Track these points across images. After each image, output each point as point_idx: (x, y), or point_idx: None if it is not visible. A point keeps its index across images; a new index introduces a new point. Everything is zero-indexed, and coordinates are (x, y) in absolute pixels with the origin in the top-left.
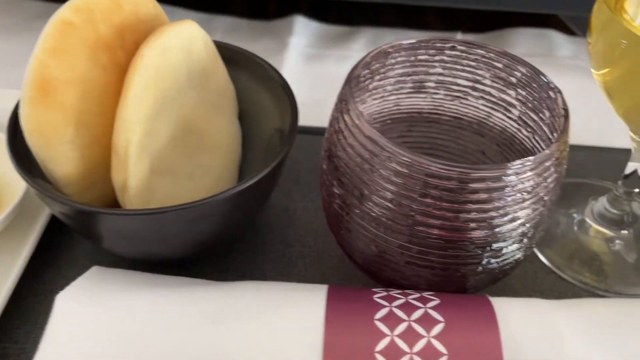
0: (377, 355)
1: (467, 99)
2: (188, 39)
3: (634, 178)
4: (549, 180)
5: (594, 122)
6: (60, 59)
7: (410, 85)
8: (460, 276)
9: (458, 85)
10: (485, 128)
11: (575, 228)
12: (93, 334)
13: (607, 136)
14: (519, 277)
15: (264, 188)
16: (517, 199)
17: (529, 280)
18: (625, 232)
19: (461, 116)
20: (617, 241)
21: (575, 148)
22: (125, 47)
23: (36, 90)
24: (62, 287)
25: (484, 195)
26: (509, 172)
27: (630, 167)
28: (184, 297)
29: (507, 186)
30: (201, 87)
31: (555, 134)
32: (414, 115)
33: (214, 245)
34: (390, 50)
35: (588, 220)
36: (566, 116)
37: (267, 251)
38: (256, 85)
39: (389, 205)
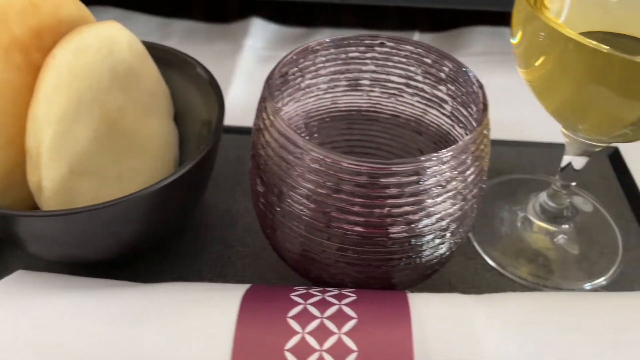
0: (287, 353)
1: (402, 96)
2: (107, 39)
3: (570, 171)
4: (467, 174)
5: (544, 118)
6: None
7: (345, 83)
8: (383, 272)
9: (392, 82)
10: (423, 126)
11: (519, 224)
12: (7, 336)
13: (557, 132)
14: (458, 274)
15: (188, 187)
16: (432, 193)
17: (468, 277)
18: (566, 226)
19: (399, 114)
20: (560, 236)
21: (525, 144)
22: (44, 48)
23: None
24: None
25: (395, 191)
26: (420, 166)
27: (565, 160)
28: (101, 300)
29: (419, 181)
30: (130, 88)
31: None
32: (353, 113)
33: (142, 247)
34: (317, 47)
35: (530, 216)
36: (484, 109)
37: (206, 252)
38: (189, 85)
39: (306, 202)
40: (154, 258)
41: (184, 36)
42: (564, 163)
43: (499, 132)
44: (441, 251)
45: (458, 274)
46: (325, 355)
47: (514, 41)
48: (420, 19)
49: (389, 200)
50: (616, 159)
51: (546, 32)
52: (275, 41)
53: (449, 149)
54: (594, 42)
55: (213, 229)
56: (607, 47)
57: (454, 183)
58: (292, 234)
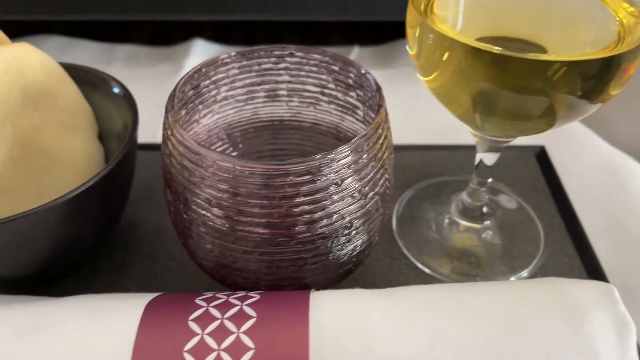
0: (186, 354)
1: (320, 105)
2: (15, 61)
3: (483, 168)
4: (364, 172)
5: None
6: None
7: (263, 94)
8: (293, 273)
9: (309, 91)
10: (342, 132)
11: (445, 225)
12: None
13: None
14: (383, 275)
15: (102, 199)
16: (328, 192)
17: (393, 277)
18: (488, 222)
19: (319, 122)
20: (485, 233)
21: (454, 147)
22: None
23: None
24: None
25: (290, 190)
26: (313, 165)
27: (477, 158)
28: (3, 315)
29: (313, 180)
30: (47, 108)
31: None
32: (276, 123)
33: (63, 262)
34: (227, 60)
35: (453, 216)
36: (378, 110)
37: (134, 267)
38: (110, 103)
39: (209, 207)
40: (82, 273)
41: (127, 60)
42: (476, 161)
43: (432, 137)
44: (349, 249)
45: (383, 274)
46: (223, 354)
47: (411, 52)
48: (360, 34)
49: (286, 201)
50: (542, 158)
51: (440, 39)
52: None
53: (340, 147)
54: (487, 45)
55: (142, 244)
56: (499, 48)
57: (349, 181)
58: (201, 240)
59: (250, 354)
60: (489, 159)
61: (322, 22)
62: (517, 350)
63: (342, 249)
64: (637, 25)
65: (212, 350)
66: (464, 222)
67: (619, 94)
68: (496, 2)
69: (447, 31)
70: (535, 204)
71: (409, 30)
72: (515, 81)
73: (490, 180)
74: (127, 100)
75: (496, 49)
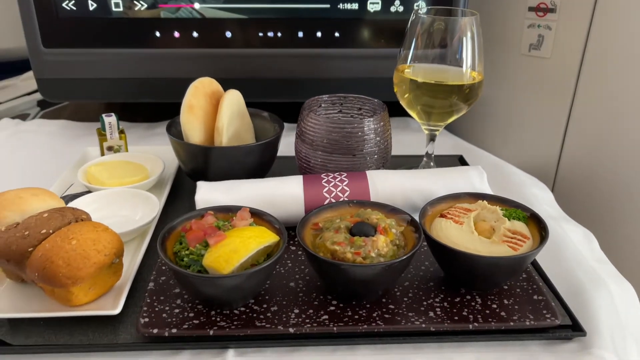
0: (324, 193)
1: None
2: (236, 97)
3: (429, 154)
4: (379, 131)
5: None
6: (195, 98)
7: (340, 115)
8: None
9: (354, 114)
10: None
11: None
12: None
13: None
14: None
15: (268, 149)
16: (369, 133)
17: None
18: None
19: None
20: None
21: (419, 156)
22: (215, 97)
23: (187, 107)
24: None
25: (366, 131)
26: (364, 123)
27: (426, 149)
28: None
29: (362, 129)
30: (241, 118)
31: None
32: None
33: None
34: (322, 101)
35: None
36: (382, 112)
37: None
38: (262, 122)
39: (319, 142)
40: None
41: None
42: (424, 151)
43: (412, 152)
44: (381, 161)
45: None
46: (339, 194)
47: (396, 88)
48: None
49: (364, 137)
50: (462, 161)
51: (407, 81)
52: None
53: (369, 119)
54: (427, 79)
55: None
56: (433, 80)
57: (375, 133)
58: (317, 164)
59: (348, 193)
60: (430, 148)
61: None
62: (435, 177)
63: (379, 161)
64: (479, 75)
65: (332, 191)
66: None
67: (506, 133)
68: (426, 71)
69: (410, 76)
70: None
71: (395, 80)
72: (435, 94)
73: (433, 155)
74: (274, 120)
75: (428, 80)
